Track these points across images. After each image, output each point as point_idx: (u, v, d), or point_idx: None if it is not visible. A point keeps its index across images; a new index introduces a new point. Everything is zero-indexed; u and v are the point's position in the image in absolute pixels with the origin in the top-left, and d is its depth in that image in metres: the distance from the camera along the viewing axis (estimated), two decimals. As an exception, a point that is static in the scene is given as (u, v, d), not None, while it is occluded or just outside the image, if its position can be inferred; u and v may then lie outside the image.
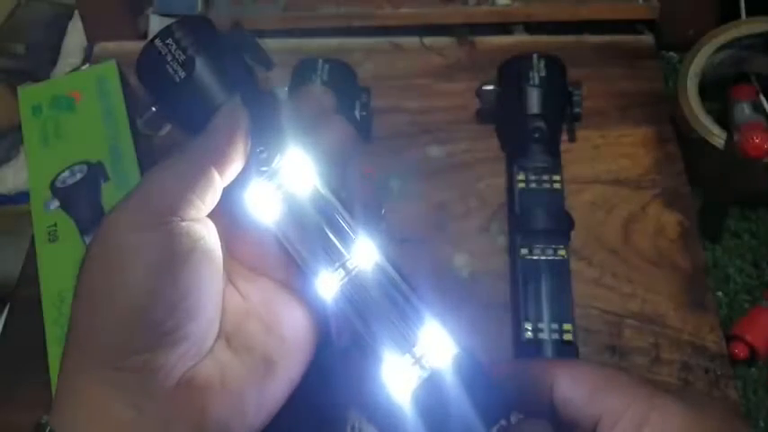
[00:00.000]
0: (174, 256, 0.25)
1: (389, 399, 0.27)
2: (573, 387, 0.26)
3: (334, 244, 0.28)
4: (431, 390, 0.26)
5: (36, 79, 0.64)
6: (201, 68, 0.27)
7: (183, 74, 0.27)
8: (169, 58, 0.27)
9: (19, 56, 0.70)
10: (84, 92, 0.50)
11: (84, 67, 0.63)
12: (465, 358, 0.27)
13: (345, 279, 0.28)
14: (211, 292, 0.27)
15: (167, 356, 0.25)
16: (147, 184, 0.27)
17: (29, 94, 0.50)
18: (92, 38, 0.61)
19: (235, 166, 0.27)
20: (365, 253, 0.28)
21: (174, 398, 0.25)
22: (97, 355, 0.25)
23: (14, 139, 0.64)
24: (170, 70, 0.27)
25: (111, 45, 0.60)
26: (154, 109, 0.28)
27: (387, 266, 0.28)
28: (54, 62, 0.66)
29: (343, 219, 0.28)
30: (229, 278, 0.30)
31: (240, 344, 0.28)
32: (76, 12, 0.65)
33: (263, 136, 0.28)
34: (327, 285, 0.28)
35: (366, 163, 0.46)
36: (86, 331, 0.25)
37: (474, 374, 0.26)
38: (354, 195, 0.29)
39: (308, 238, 0.28)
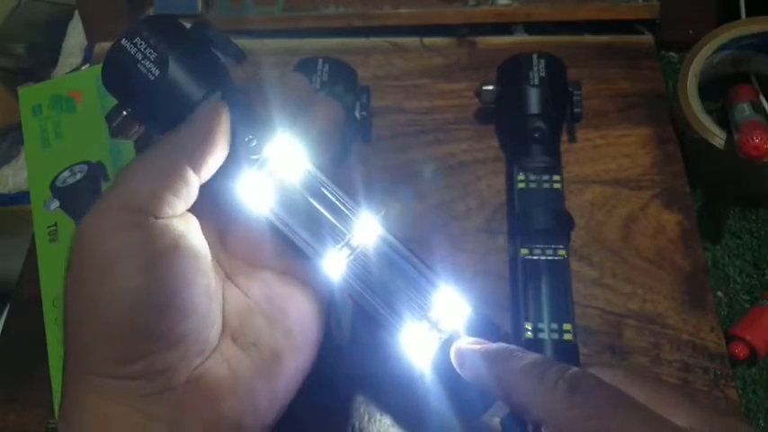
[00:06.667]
0: (155, 256, 0.25)
1: (409, 367, 0.28)
2: None
3: (335, 224, 0.28)
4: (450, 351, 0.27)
5: (36, 79, 0.64)
6: (175, 64, 0.27)
7: (156, 72, 0.27)
8: (140, 57, 0.27)
9: (19, 56, 0.70)
10: (84, 92, 0.50)
11: (84, 67, 0.63)
12: (478, 318, 0.28)
13: (351, 256, 0.28)
14: (201, 288, 0.27)
15: (168, 358, 0.25)
16: (119, 185, 0.26)
17: (29, 94, 0.50)
18: (92, 38, 0.61)
19: (213, 161, 0.27)
20: (367, 228, 0.28)
21: (184, 398, 0.25)
22: (93, 366, 0.24)
23: (14, 139, 0.64)
24: (142, 69, 0.27)
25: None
26: (125, 113, 0.28)
27: (390, 238, 0.28)
28: (54, 62, 0.66)
29: (340, 198, 0.28)
30: (229, 276, 0.29)
31: (246, 340, 0.28)
32: (76, 12, 0.65)
33: (249, 125, 0.28)
34: (334, 265, 0.28)
35: (365, 163, 0.46)
36: (78, 343, 0.25)
37: (487, 333, 0.28)
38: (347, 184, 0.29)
39: (307, 222, 0.28)
